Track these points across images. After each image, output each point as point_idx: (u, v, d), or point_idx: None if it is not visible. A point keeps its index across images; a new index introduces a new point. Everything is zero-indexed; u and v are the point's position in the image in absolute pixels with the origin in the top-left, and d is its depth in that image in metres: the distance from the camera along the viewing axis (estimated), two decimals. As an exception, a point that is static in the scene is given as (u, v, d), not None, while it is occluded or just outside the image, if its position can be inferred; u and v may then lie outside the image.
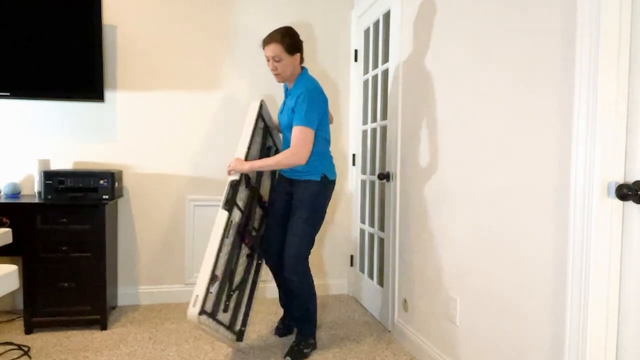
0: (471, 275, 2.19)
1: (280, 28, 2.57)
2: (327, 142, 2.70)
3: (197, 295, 2.21)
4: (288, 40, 2.54)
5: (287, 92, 2.72)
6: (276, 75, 2.61)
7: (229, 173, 2.55)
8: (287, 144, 2.71)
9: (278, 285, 2.97)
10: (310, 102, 2.50)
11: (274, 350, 2.76)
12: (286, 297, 2.95)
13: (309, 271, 2.67)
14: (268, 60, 2.58)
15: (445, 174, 2.41)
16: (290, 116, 2.59)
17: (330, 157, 2.73)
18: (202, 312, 2.22)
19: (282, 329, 3.00)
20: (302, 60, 2.67)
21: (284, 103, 2.73)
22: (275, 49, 2.54)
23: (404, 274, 2.90)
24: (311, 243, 2.66)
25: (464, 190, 2.25)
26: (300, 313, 2.70)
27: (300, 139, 2.48)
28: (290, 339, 2.95)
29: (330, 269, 3.93)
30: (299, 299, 2.66)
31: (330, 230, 3.91)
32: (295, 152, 2.48)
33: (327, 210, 3.88)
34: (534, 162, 1.77)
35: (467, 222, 2.22)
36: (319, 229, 2.71)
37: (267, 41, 2.56)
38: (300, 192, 2.65)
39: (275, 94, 3.73)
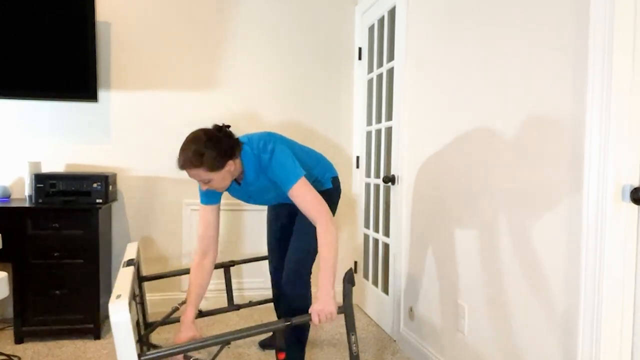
0: (480, 282, 2.13)
1: (189, 145, 1.91)
2: (312, 157, 2.42)
3: None
4: (206, 157, 1.90)
5: (249, 182, 2.17)
6: (220, 189, 2.07)
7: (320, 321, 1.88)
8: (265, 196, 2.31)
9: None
10: (281, 160, 2.06)
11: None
12: None
13: (309, 292, 2.32)
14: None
15: (454, 177, 2.35)
16: (270, 181, 2.18)
17: (323, 158, 2.50)
18: None
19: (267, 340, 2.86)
20: (237, 143, 2.04)
21: (247, 184, 2.20)
22: (197, 174, 1.93)
23: (409, 281, 2.83)
24: (314, 257, 2.35)
25: (473, 194, 2.18)
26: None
27: (309, 201, 2.00)
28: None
29: (334, 275, 3.82)
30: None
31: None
32: (323, 225, 1.96)
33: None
34: (546, 165, 1.72)
35: (476, 227, 2.15)
36: None
37: (183, 167, 1.93)
38: None
39: (274, 94, 3.64)
